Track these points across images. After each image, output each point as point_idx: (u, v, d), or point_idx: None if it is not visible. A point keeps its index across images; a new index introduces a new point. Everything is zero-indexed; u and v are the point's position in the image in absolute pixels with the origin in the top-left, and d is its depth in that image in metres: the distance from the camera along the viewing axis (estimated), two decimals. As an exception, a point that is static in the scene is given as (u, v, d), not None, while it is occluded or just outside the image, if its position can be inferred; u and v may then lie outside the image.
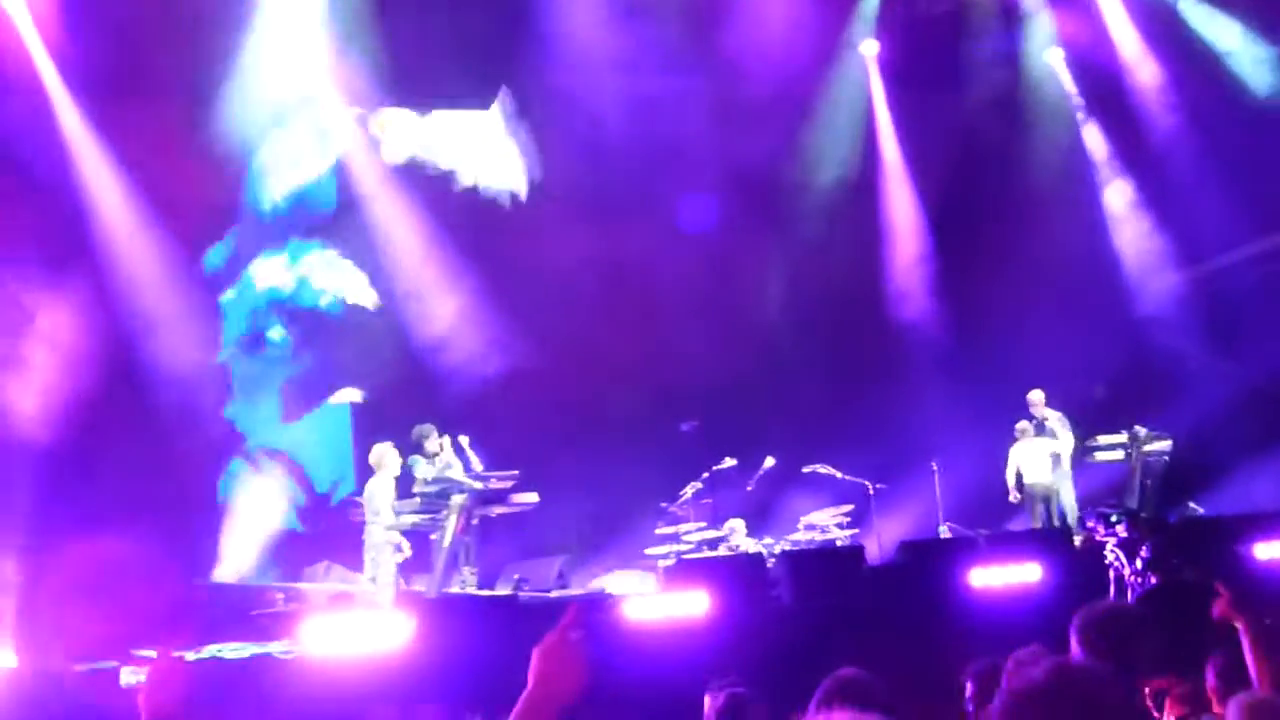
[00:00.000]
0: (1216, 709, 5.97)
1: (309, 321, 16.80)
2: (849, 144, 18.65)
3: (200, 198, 15.40)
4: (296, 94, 16.18)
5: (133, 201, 14.99)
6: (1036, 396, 16.10)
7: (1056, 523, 15.30)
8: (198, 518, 14.35)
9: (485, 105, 17.20)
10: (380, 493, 13.39)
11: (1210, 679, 5.98)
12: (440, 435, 13.87)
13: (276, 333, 16.65)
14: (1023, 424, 16.04)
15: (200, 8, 15.05)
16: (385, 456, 13.56)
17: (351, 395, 16.88)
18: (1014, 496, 15.94)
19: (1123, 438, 15.85)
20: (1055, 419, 16.00)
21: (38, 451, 13.27)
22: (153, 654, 3.60)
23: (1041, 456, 15.86)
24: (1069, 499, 15.78)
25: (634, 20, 16.52)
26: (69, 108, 14.76)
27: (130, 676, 9.35)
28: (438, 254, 16.50)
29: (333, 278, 16.87)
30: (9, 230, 13.68)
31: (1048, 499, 15.75)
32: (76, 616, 11.16)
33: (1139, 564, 7.33)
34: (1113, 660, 4.18)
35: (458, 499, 13.33)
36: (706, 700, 5.60)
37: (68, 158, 14.73)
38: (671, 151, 16.79)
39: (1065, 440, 15.90)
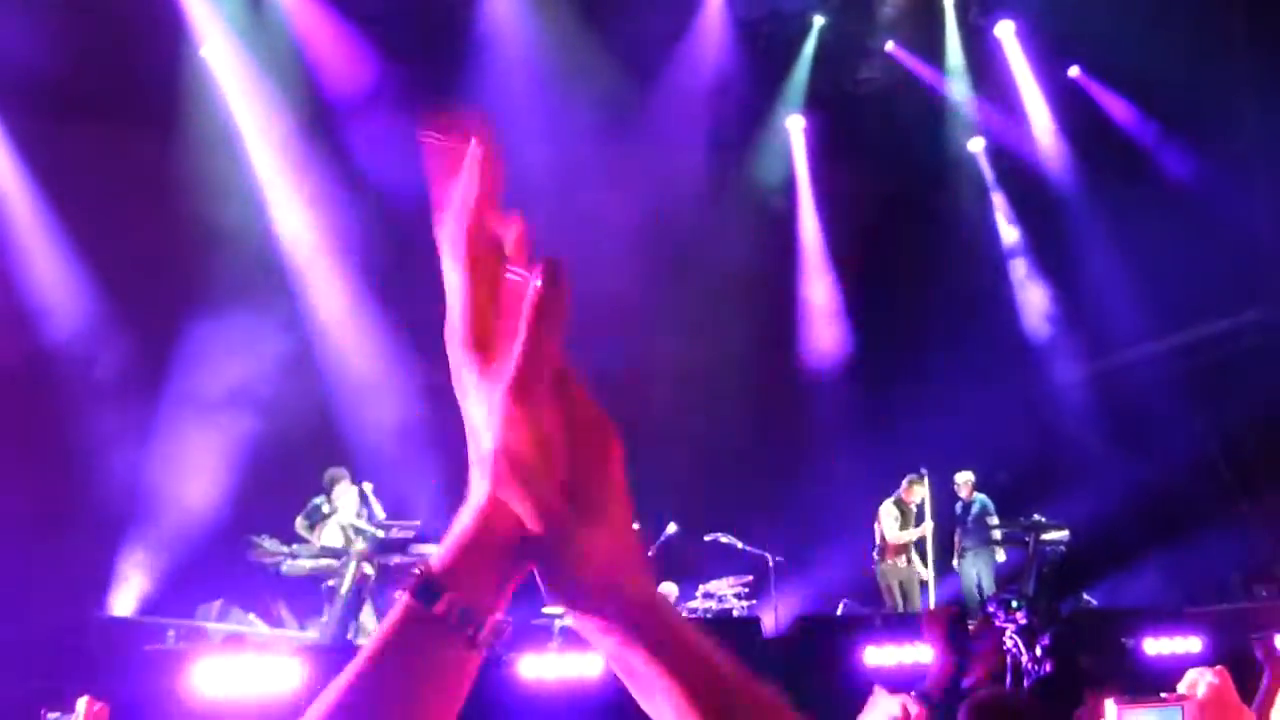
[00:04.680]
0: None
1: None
2: (768, 214, 18.88)
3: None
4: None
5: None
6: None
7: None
8: (94, 545, 14.04)
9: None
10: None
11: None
12: (351, 481, 13.80)
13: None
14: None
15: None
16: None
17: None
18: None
19: (1022, 525, 15.96)
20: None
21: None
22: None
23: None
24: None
25: (559, 90, 16.57)
26: None
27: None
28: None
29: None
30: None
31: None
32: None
33: (1038, 651, 7.41)
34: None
35: (358, 546, 13.21)
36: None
37: None
38: (588, 215, 16.82)
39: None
